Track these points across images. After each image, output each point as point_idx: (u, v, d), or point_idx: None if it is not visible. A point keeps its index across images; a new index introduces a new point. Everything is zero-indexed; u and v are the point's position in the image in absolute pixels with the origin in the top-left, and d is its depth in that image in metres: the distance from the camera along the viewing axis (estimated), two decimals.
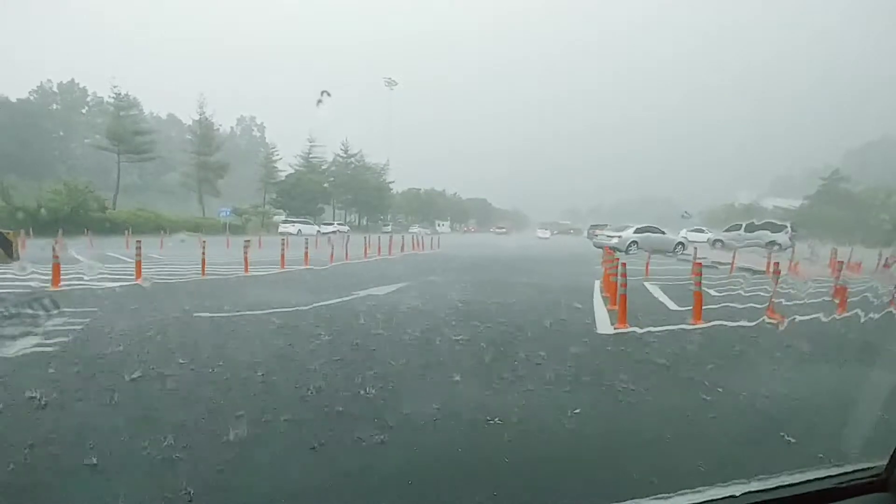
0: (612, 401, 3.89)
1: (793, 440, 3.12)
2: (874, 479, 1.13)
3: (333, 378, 4.21)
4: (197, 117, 50.36)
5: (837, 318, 7.43)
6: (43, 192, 32.00)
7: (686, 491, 1.08)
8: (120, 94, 46.76)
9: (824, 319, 7.31)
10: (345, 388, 3.94)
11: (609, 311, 7.67)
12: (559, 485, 2.61)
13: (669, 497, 1.07)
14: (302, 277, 12.00)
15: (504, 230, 62.24)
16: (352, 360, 4.77)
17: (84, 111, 68.90)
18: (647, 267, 13.37)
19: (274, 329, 6.05)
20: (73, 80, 69.00)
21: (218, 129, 55.21)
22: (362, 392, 3.83)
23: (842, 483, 1.13)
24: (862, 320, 7.22)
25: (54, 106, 67.08)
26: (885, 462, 1.14)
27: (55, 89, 68.36)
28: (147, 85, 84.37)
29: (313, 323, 6.43)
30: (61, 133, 65.47)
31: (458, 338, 5.80)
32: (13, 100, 59.28)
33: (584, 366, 4.81)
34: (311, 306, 7.59)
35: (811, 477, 1.12)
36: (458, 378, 4.30)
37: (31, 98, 64.53)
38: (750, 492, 1.06)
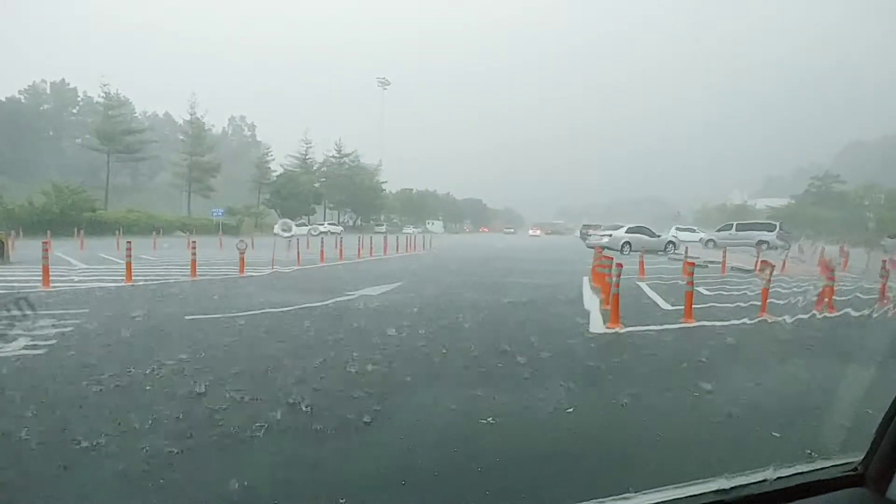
0: (604, 399, 3.93)
1: (778, 435, 3.16)
2: (851, 473, 1.16)
3: (326, 377, 4.21)
4: (188, 117, 50.18)
5: (825, 316, 7.53)
6: (33, 193, 31.66)
7: (666, 487, 1.10)
8: (109, 93, 46.45)
9: (816, 316, 7.40)
10: (339, 388, 3.95)
11: (603, 310, 7.72)
12: (551, 482, 2.63)
13: (648, 493, 1.09)
14: (294, 277, 11.96)
15: (512, 230, 70.54)
16: (342, 359, 4.77)
17: (75, 111, 68.24)
18: (641, 266, 13.43)
19: (252, 329, 6.03)
20: (63, 79, 68.35)
21: (210, 130, 55.01)
22: (355, 392, 3.84)
23: (819, 478, 1.15)
24: (848, 319, 7.33)
25: (44, 106, 66.33)
26: (861, 457, 1.16)
27: (47, 90, 67.64)
28: (143, 84, 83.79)
29: (297, 321, 6.42)
30: (51, 133, 64.83)
31: (450, 336, 5.82)
32: (2, 98, 58.63)
33: (577, 365, 4.84)
34: (297, 307, 7.58)
35: (788, 472, 1.14)
36: (449, 377, 4.32)
37: (22, 98, 63.81)
38: (727, 488, 1.08)
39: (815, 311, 7.69)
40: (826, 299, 8.03)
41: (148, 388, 3.87)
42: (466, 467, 2.78)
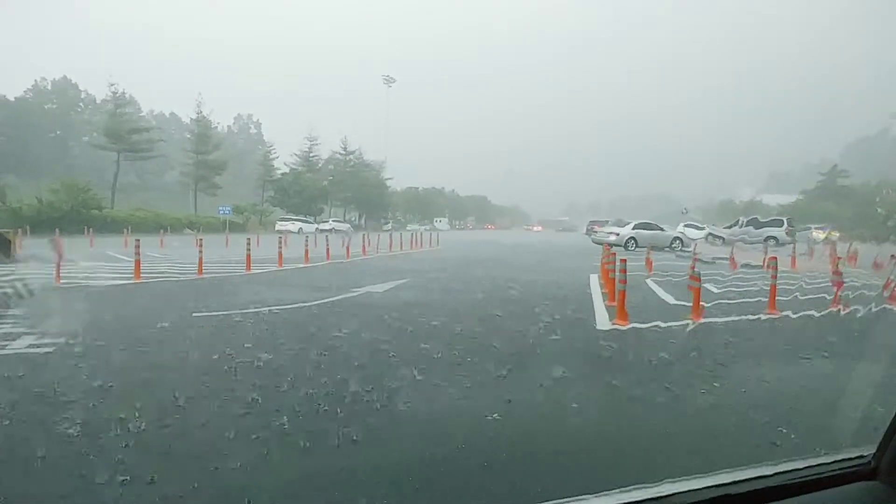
0: (609, 395, 3.92)
1: (786, 431, 3.14)
2: (862, 467, 1.15)
3: (329, 374, 4.23)
4: (195, 116, 50.37)
5: (832, 313, 7.47)
6: (41, 191, 31.89)
7: (675, 479, 1.10)
8: (117, 92, 46.59)
9: (818, 314, 7.34)
10: (343, 385, 3.96)
11: (609, 307, 7.70)
12: (557, 478, 2.63)
13: (658, 485, 1.08)
14: (302, 275, 12.01)
15: (539, 228, 74.43)
16: (342, 357, 4.78)
17: (80, 109, 68.65)
18: (647, 262, 13.38)
19: (265, 324, 6.06)
20: (65, 76, 68.70)
21: (216, 128, 55.13)
22: (360, 389, 3.85)
23: (829, 471, 1.14)
24: (858, 315, 7.26)
25: (48, 105, 66.65)
26: (872, 450, 1.15)
27: (48, 87, 67.97)
28: (147, 83, 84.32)
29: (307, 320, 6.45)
30: (58, 132, 65.22)
31: (457, 333, 5.82)
32: (11, 98, 59.04)
33: (582, 361, 4.83)
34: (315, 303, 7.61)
35: (799, 465, 1.13)
36: (456, 373, 4.32)
37: (28, 97, 64.23)
38: (737, 481, 1.08)
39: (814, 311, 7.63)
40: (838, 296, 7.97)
41: (158, 387, 3.91)
42: (472, 464, 2.78)
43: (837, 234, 31.58)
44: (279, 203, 51.50)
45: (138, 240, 11.00)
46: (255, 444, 2.89)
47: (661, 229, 23.96)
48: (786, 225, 26.79)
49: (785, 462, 1.15)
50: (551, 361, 4.72)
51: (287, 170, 54.79)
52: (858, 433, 2.33)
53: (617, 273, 7.27)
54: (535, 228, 74.01)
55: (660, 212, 66.34)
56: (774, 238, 24.82)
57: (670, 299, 8.70)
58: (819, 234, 30.06)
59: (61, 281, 9.02)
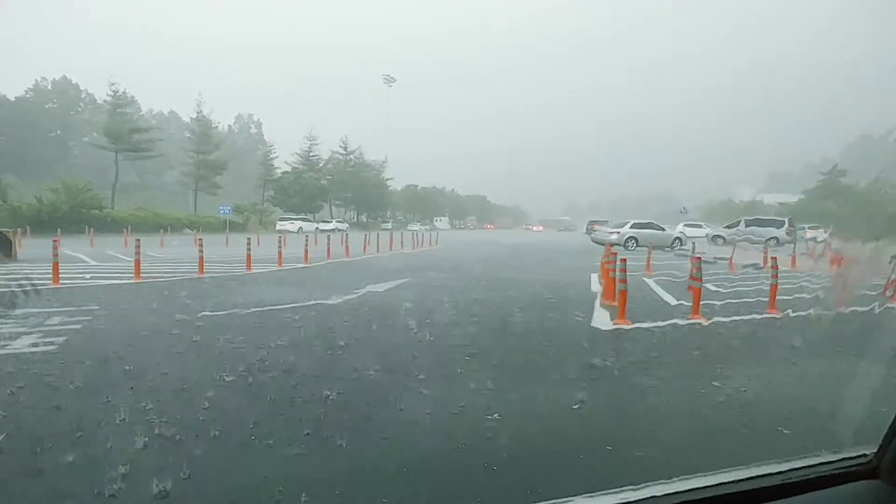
0: (609, 395, 3.92)
1: (787, 431, 3.14)
2: (863, 466, 1.14)
3: (329, 374, 4.22)
4: (195, 115, 50.35)
5: (836, 312, 7.45)
6: (41, 191, 31.89)
7: (675, 479, 1.09)
8: (117, 91, 46.51)
9: (824, 314, 7.33)
10: (346, 383, 3.95)
11: (609, 306, 7.68)
12: (558, 478, 2.62)
13: (658, 484, 1.08)
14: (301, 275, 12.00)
15: (540, 228, 75.41)
16: (343, 357, 4.78)
17: (80, 109, 68.63)
18: (648, 262, 13.38)
19: (257, 323, 6.06)
20: (65, 76, 68.65)
21: (216, 127, 55.07)
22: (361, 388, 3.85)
23: (831, 471, 1.14)
24: (859, 315, 7.24)
25: (48, 105, 66.58)
26: (874, 449, 1.15)
27: (49, 87, 67.90)
28: (148, 83, 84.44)
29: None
30: (58, 132, 65.17)
31: (457, 333, 5.81)
32: (11, 98, 59.01)
33: (582, 362, 4.82)
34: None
35: (800, 465, 1.13)
36: (457, 373, 4.31)
37: (28, 97, 64.17)
38: (738, 480, 1.07)
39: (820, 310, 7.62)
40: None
41: (155, 386, 3.90)
42: (472, 464, 2.77)
43: (825, 233, 31.98)
44: (279, 203, 51.51)
45: (138, 239, 10.99)
46: (255, 444, 2.89)
47: (662, 229, 23.97)
48: (786, 225, 26.78)
49: (786, 461, 1.14)
50: (551, 361, 4.72)
51: (287, 169, 54.73)
52: (859, 432, 2.32)
53: (617, 273, 7.26)
54: (535, 228, 75.32)
55: (660, 211, 66.40)
56: (776, 238, 24.81)
57: (671, 299, 8.69)
58: (817, 234, 29.90)
59: (60, 281, 9.02)
